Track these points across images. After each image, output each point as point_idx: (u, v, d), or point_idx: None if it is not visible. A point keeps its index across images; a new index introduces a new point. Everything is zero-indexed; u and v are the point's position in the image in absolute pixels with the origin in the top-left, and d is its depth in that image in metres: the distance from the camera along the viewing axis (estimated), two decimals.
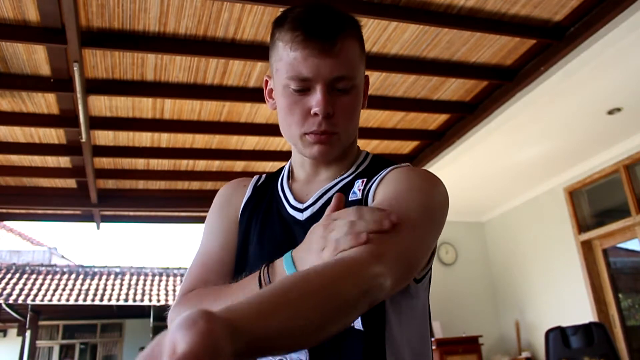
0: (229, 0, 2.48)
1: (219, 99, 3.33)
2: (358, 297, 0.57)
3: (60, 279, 11.85)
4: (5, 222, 13.44)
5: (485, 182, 5.32)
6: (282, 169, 0.99)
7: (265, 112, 3.61)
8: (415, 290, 0.84)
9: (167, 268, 13.16)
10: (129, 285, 12.07)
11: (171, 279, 12.65)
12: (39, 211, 5.13)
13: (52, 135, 3.74)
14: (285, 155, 4.13)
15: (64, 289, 11.37)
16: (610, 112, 3.96)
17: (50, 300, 10.77)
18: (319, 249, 0.69)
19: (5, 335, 12.46)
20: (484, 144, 4.21)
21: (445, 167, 4.58)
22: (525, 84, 3.37)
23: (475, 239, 6.37)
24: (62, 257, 14.77)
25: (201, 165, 4.39)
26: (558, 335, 3.54)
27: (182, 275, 12.65)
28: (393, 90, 3.52)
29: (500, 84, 3.51)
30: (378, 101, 3.58)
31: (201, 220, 5.53)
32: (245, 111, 3.59)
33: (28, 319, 10.76)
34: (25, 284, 11.23)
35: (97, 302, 11.03)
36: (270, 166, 4.52)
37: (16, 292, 10.78)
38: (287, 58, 0.80)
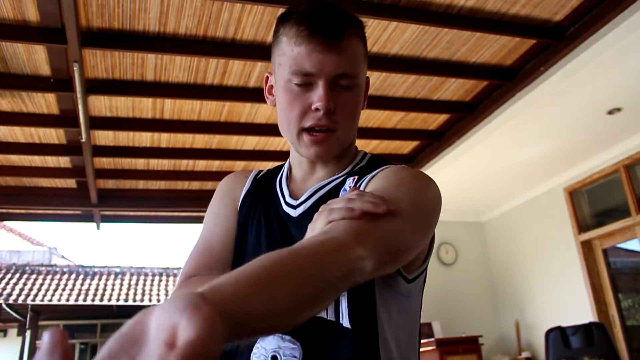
0: (229, 0, 2.49)
1: (219, 99, 3.33)
2: (338, 278, 0.55)
3: (60, 279, 11.86)
4: (5, 222, 13.44)
5: (485, 182, 5.32)
6: (282, 165, 1.00)
7: (265, 112, 3.61)
8: (407, 291, 0.83)
9: (167, 268, 13.16)
10: (129, 285, 12.07)
11: (171, 279, 12.65)
12: (39, 211, 5.13)
13: (52, 135, 3.74)
14: (285, 155, 4.13)
15: (64, 289, 11.38)
16: (610, 112, 3.96)
17: (50, 300, 10.77)
18: (316, 225, 0.68)
19: (5, 335, 12.45)
20: (484, 144, 4.21)
21: (445, 167, 4.58)
22: (525, 84, 3.37)
23: (475, 239, 6.37)
24: (62, 257, 14.78)
25: (201, 165, 4.39)
26: (558, 335, 3.54)
27: None
28: (393, 90, 3.52)
29: (500, 84, 3.51)
30: (378, 101, 3.58)
31: (201, 220, 5.51)
32: (245, 111, 3.59)
33: (28, 319, 10.76)
34: (25, 284, 11.24)
35: (97, 302, 11.04)
36: (270, 166, 4.51)
37: (16, 292, 10.79)
38: (290, 52, 0.80)
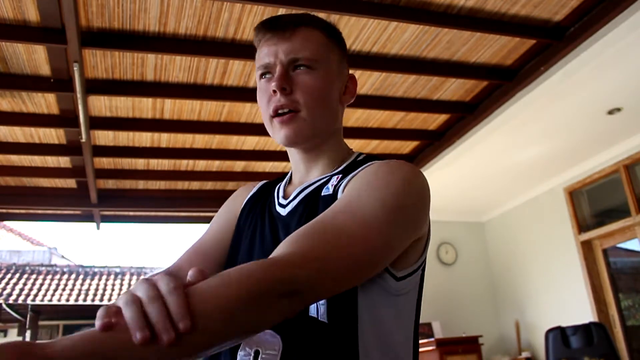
0: (229, 0, 2.49)
1: (219, 99, 3.33)
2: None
3: (60, 279, 11.86)
4: (5, 222, 13.44)
5: (485, 182, 5.32)
6: (287, 174, 1.03)
7: None
8: (397, 289, 0.81)
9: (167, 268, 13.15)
10: (129, 285, 12.07)
11: None
12: (39, 211, 5.13)
13: (52, 135, 3.74)
14: (285, 156, 4.13)
15: (64, 289, 11.38)
16: (610, 112, 3.96)
17: (50, 300, 10.78)
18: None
19: (5, 336, 12.45)
20: (484, 144, 4.21)
21: (445, 167, 4.58)
22: (525, 84, 3.37)
23: (475, 239, 6.37)
24: (62, 257, 14.78)
25: (201, 165, 4.39)
26: (558, 335, 3.54)
27: None
28: (393, 90, 3.52)
29: (500, 84, 3.51)
30: (378, 101, 3.58)
31: (201, 220, 5.53)
32: (245, 111, 3.59)
33: (28, 319, 10.76)
34: (25, 284, 11.24)
35: (97, 302, 11.04)
36: (270, 166, 4.52)
37: (16, 292, 10.79)
38: (257, 55, 0.91)
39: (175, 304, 0.51)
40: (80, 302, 11.02)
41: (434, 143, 4.32)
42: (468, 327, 5.68)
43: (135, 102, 3.38)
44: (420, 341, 5.19)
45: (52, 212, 5.16)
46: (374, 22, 2.77)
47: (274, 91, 0.86)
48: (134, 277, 12.56)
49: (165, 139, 3.91)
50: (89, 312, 11.75)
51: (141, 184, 4.71)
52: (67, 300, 10.96)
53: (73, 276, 12.11)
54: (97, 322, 0.50)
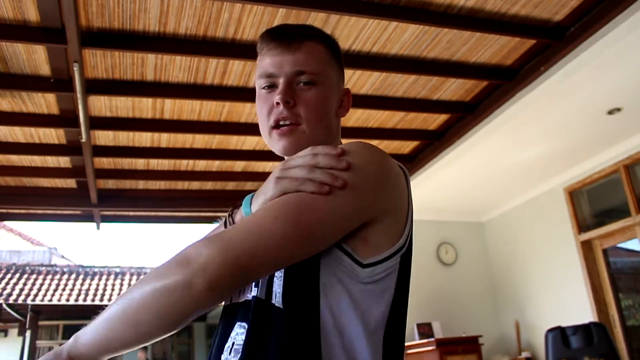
0: (229, 0, 2.49)
1: (219, 99, 3.33)
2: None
3: (60, 279, 11.86)
4: (5, 222, 13.44)
5: (485, 182, 5.32)
6: None
7: None
8: (367, 276, 0.78)
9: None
10: (129, 285, 12.06)
11: None
12: (39, 211, 5.13)
13: (52, 135, 3.74)
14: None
15: (64, 289, 11.38)
16: (610, 112, 3.96)
17: (50, 300, 10.77)
18: (268, 191, 0.78)
19: (6, 336, 12.45)
20: (484, 144, 4.21)
21: (445, 167, 4.58)
22: (525, 84, 3.37)
23: (475, 239, 6.37)
24: (62, 257, 14.77)
25: (201, 165, 4.39)
26: (558, 335, 3.54)
27: None
28: (393, 90, 3.52)
29: (500, 84, 3.51)
30: (378, 101, 3.58)
31: (201, 220, 5.53)
32: (245, 111, 3.59)
33: (28, 319, 10.76)
34: (25, 284, 11.24)
35: (97, 302, 11.03)
36: (270, 166, 4.52)
37: (16, 292, 10.78)
38: (259, 63, 0.93)
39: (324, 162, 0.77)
40: (80, 302, 11.02)
41: (434, 143, 4.32)
42: (468, 327, 5.68)
43: (135, 102, 3.38)
44: (420, 341, 5.19)
45: (52, 212, 5.16)
46: (374, 22, 2.77)
47: (277, 103, 0.88)
48: (134, 277, 12.56)
49: (165, 139, 3.91)
50: (89, 312, 11.73)
51: (141, 184, 4.71)
52: (67, 300, 10.96)
53: (73, 276, 12.11)
54: None
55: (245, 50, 2.87)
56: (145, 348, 11.10)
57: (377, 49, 3.03)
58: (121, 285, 12.03)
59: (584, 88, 3.54)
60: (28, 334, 10.95)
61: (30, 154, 3.94)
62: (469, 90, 3.62)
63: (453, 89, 3.57)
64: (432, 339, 5.08)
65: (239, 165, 4.46)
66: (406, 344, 5.32)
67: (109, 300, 11.17)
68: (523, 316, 5.71)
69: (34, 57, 2.85)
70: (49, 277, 11.88)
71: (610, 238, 4.92)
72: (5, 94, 3.16)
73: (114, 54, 2.86)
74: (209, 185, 4.80)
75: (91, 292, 11.47)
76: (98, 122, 3.51)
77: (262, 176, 4.47)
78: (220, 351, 0.80)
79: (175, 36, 2.78)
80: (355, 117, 3.81)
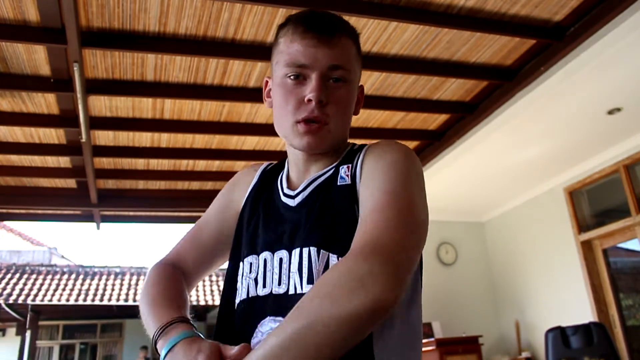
0: (229, 0, 2.48)
1: (219, 99, 3.33)
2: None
3: (60, 279, 11.85)
4: (5, 222, 13.44)
5: (485, 182, 5.32)
6: (285, 161, 1.03)
7: (266, 112, 3.61)
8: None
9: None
10: (129, 285, 12.07)
11: None
12: (39, 211, 5.13)
13: (52, 135, 3.74)
14: (284, 156, 4.13)
15: (64, 289, 11.37)
16: (610, 112, 3.96)
17: (50, 300, 10.77)
18: None
19: (4, 335, 12.45)
20: (484, 144, 4.21)
21: (445, 167, 4.58)
22: (525, 84, 3.37)
23: (475, 239, 6.37)
24: (62, 257, 14.77)
25: (201, 165, 4.39)
26: (558, 335, 3.54)
27: None
28: (393, 90, 3.52)
29: (500, 84, 3.51)
30: (378, 101, 3.58)
31: None
32: (245, 111, 3.59)
33: (28, 319, 10.76)
34: (25, 284, 11.24)
35: (97, 302, 11.04)
36: None
37: (16, 292, 10.78)
38: (287, 49, 0.87)
39: None
40: (80, 302, 11.01)
41: (434, 143, 4.32)
42: (468, 327, 5.68)
43: (135, 102, 3.38)
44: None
45: (52, 212, 5.16)
46: (374, 22, 2.77)
47: (310, 100, 0.84)
48: (134, 277, 12.56)
49: (165, 139, 3.91)
50: (89, 312, 11.75)
51: (141, 184, 4.71)
52: (67, 300, 10.96)
53: (73, 276, 12.11)
54: None
55: (245, 50, 2.87)
56: (145, 348, 11.10)
57: (377, 49, 3.03)
58: (121, 285, 12.02)
59: (584, 88, 3.54)
60: (28, 334, 10.94)
61: (30, 154, 3.94)
62: (469, 90, 3.62)
63: (453, 89, 3.57)
64: (432, 339, 5.08)
65: (239, 165, 4.46)
66: None
67: (109, 300, 11.17)
68: (523, 316, 5.71)
69: (34, 57, 2.85)
70: (49, 277, 11.87)
71: (610, 238, 4.92)
72: (5, 94, 3.16)
73: (114, 54, 2.86)
74: (209, 185, 4.80)
75: (91, 292, 11.46)
76: (98, 122, 3.51)
77: None
78: None
79: (175, 36, 2.78)
80: (355, 117, 3.80)
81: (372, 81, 3.37)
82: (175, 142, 3.97)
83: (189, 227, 1.06)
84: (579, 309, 4.96)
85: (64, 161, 4.13)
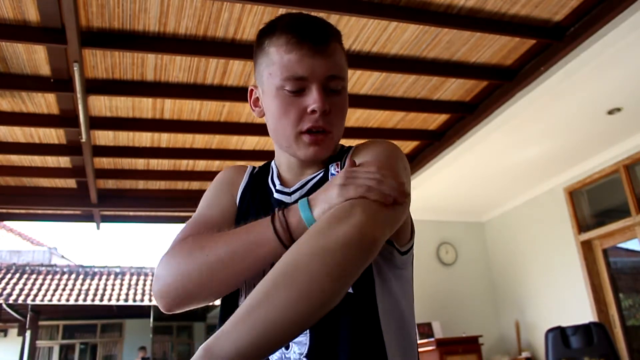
0: (229, 0, 2.49)
1: (219, 99, 3.33)
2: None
3: (60, 279, 11.86)
4: (5, 222, 13.44)
5: (485, 182, 5.32)
6: (269, 164, 1.04)
7: None
8: (402, 262, 0.89)
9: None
10: (129, 285, 12.08)
11: None
12: (39, 211, 5.13)
13: (52, 135, 3.74)
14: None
15: (64, 289, 11.38)
16: (610, 112, 3.96)
17: (50, 300, 10.78)
18: (339, 185, 0.75)
19: (5, 335, 12.46)
20: (484, 144, 4.21)
21: (445, 167, 4.58)
22: (525, 84, 3.37)
23: (475, 239, 6.37)
24: (62, 257, 14.77)
25: (201, 165, 4.39)
26: (558, 335, 3.54)
27: None
28: (393, 90, 3.52)
29: (500, 84, 3.51)
30: (378, 101, 3.58)
31: None
32: (245, 111, 3.59)
33: (28, 319, 10.77)
34: (25, 284, 11.24)
35: (97, 302, 11.04)
36: None
37: (16, 292, 10.79)
38: (281, 61, 0.85)
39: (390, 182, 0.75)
40: (80, 302, 11.02)
41: (434, 143, 4.32)
42: (468, 327, 5.68)
43: (135, 102, 3.38)
44: (420, 341, 5.19)
45: (52, 212, 5.16)
46: (374, 22, 2.77)
47: (314, 111, 0.84)
48: (134, 277, 12.56)
49: (165, 139, 3.91)
50: (89, 312, 11.76)
51: (141, 184, 4.71)
52: (67, 300, 10.97)
53: (73, 276, 12.11)
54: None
55: (245, 50, 2.87)
56: (143, 348, 11.10)
57: (377, 49, 3.03)
58: (121, 285, 12.03)
59: (584, 88, 3.54)
60: (28, 334, 10.94)
61: (30, 154, 3.94)
62: (469, 90, 3.62)
63: (453, 89, 3.57)
64: (432, 339, 5.08)
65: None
66: None
67: (109, 300, 11.18)
68: (523, 316, 5.71)
69: (34, 57, 2.85)
70: (49, 277, 11.88)
71: (610, 238, 4.92)
72: (5, 94, 3.16)
73: (114, 54, 2.86)
74: (209, 185, 4.80)
75: (91, 292, 11.47)
76: (98, 122, 3.51)
77: None
78: None
79: (175, 36, 2.78)
80: (355, 117, 3.81)
81: (372, 81, 3.37)
82: (175, 142, 3.97)
83: None
84: (579, 309, 4.96)
85: (64, 161, 4.13)
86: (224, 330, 0.61)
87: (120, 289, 11.78)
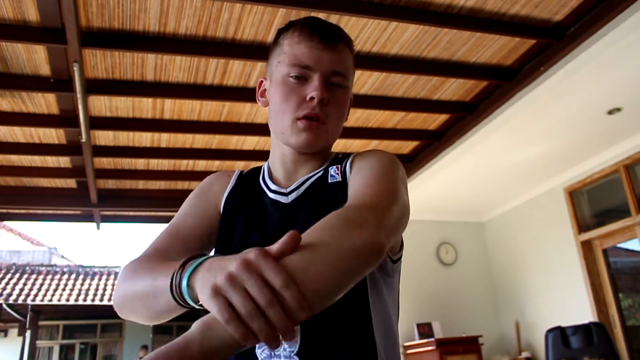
0: (229, 0, 2.49)
1: (219, 99, 3.33)
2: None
3: (60, 279, 11.86)
4: (5, 222, 13.44)
5: (485, 182, 5.32)
6: (260, 167, 1.05)
7: (266, 112, 3.61)
8: (392, 270, 0.91)
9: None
10: None
11: None
12: (39, 211, 5.13)
13: (52, 135, 3.74)
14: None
15: (64, 289, 11.38)
16: (610, 112, 3.96)
17: (50, 300, 10.78)
18: (212, 285, 0.55)
19: (5, 336, 12.45)
20: (484, 144, 4.21)
21: (445, 167, 4.58)
22: (525, 84, 3.37)
23: (475, 239, 6.37)
24: (62, 257, 14.77)
25: (201, 165, 4.39)
26: (558, 335, 3.53)
27: None
28: (393, 90, 3.52)
29: (500, 84, 3.51)
30: (378, 101, 3.58)
31: None
32: (245, 111, 3.59)
33: (28, 319, 10.76)
34: (25, 284, 11.24)
35: (97, 302, 11.04)
36: None
37: (16, 292, 10.79)
38: (291, 50, 0.90)
39: (294, 300, 0.52)
40: (80, 302, 11.02)
41: (434, 143, 4.32)
42: (468, 327, 5.68)
43: (135, 102, 3.38)
44: (420, 341, 5.20)
45: (52, 212, 5.16)
46: (374, 22, 2.77)
47: (312, 98, 0.88)
48: None
49: (165, 139, 3.91)
50: (89, 312, 11.75)
51: (141, 184, 4.71)
52: (67, 300, 10.96)
53: (73, 276, 12.11)
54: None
55: (245, 50, 2.87)
56: (145, 347, 11.10)
57: (377, 49, 3.03)
58: None
59: (584, 88, 3.54)
60: (28, 334, 10.94)
61: (30, 154, 3.94)
62: (469, 90, 3.62)
63: (453, 89, 3.57)
64: (432, 339, 5.08)
65: (239, 165, 4.46)
66: (406, 344, 5.32)
67: (109, 300, 11.17)
68: (523, 316, 5.71)
69: (34, 57, 2.85)
70: (49, 277, 11.88)
71: (610, 238, 4.92)
72: (5, 94, 3.16)
73: (114, 54, 2.86)
74: None
75: (91, 292, 11.47)
76: (98, 122, 3.51)
77: None
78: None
79: (175, 36, 2.78)
80: (355, 117, 3.81)
81: (372, 81, 3.37)
82: (175, 142, 3.97)
83: None
84: (579, 309, 4.96)
85: (64, 161, 4.13)
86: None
87: None
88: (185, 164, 4.35)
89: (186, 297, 0.65)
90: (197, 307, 0.66)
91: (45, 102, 3.31)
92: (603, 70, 3.33)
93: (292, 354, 0.80)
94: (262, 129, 3.78)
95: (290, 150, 0.95)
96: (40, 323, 11.57)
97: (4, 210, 5.05)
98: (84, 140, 3.48)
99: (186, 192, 4.83)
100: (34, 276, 11.73)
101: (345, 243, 0.63)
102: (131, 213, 5.29)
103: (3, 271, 11.73)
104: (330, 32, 0.91)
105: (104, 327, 12.99)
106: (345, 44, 0.93)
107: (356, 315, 0.83)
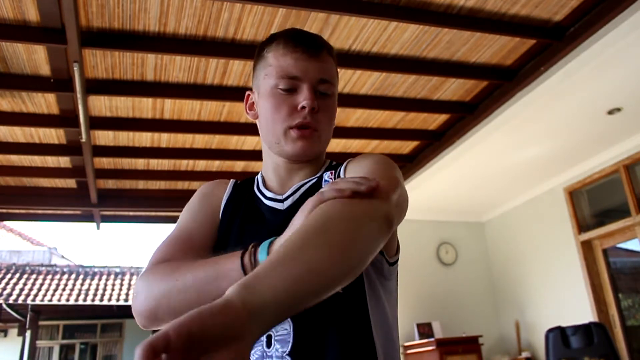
0: (229, 0, 2.49)
1: (219, 99, 3.33)
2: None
3: (60, 279, 11.85)
4: (5, 222, 13.44)
5: (485, 182, 5.32)
6: (253, 178, 1.06)
7: None
8: (389, 273, 0.92)
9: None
10: (129, 285, 12.06)
11: None
12: (39, 211, 5.13)
13: (52, 135, 3.74)
14: None
15: (64, 289, 11.37)
16: (610, 112, 3.96)
17: (50, 300, 10.77)
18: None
19: (5, 336, 12.45)
20: (484, 144, 4.21)
21: (445, 167, 4.58)
22: (525, 84, 3.37)
23: (475, 239, 6.37)
24: (62, 257, 14.76)
25: (201, 165, 4.39)
26: (558, 335, 3.54)
27: None
28: (393, 90, 3.52)
29: (500, 84, 3.51)
30: (378, 101, 3.57)
31: None
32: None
33: (28, 319, 10.75)
34: (25, 284, 11.23)
35: (97, 302, 11.03)
36: None
37: (16, 292, 10.78)
38: (277, 62, 0.92)
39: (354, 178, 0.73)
40: (80, 302, 11.01)
41: (434, 143, 4.32)
42: (468, 327, 5.68)
43: (135, 102, 3.38)
44: (420, 341, 5.19)
45: (52, 212, 5.16)
46: (374, 22, 2.77)
47: (303, 107, 0.90)
48: (134, 277, 12.55)
49: (165, 139, 3.91)
50: (89, 312, 11.75)
51: (141, 184, 4.71)
52: (67, 300, 10.96)
53: (73, 276, 12.11)
54: None
55: (245, 50, 2.87)
56: None
57: (377, 49, 3.03)
58: (121, 285, 12.02)
59: (584, 88, 3.54)
60: (28, 334, 10.94)
61: (30, 154, 3.94)
62: (469, 90, 3.62)
63: (453, 89, 3.57)
64: (432, 339, 5.08)
65: (239, 165, 4.46)
66: (406, 344, 5.32)
67: (109, 300, 11.17)
68: (523, 316, 5.71)
69: (34, 57, 2.85)
70: (49, 277, 11.87)
71: (610, 238, 4.92)
72: (5, 94, 3.16)
73: (114, 54, 2.86)
74: None
75: (91, 292, 11.46)
76: (98, 122, 3.51)
77: None
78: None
79: (175, 36, 2.78)
80: (355, 117, 3.81)
81: (372, 81, 3.37)
82: (175, 142, 3.97)
83: None
84: (579, 309, 4.96)
85: (64, 161, 4.13)
86: (258, 274, 0.56)
87: (120, 289, 11.77)
88: (185, 164, 4.35)
89: None
90: None
91: (45, 102, 3.31)
92: (603, 70, 3.33)
93: (284, 354, 0.80)
94: None
95: (283, 160, 0.96)
96: (40, 323, 11.56)
97: (4, 210, 5.05)
98: (84, 140, 3.48)
99: (186, 192, 4.87)
100: (34, 276, 11.73)
101: (358, 210, 0.69)
102: (131, 213, 5.29)
103: (3, 271, 11.72)
104: (313, 42, 0.93)
105: (104, 327, 12.98)
106: (328, 52, 0.96)
107: (354, 316, 0.83)
